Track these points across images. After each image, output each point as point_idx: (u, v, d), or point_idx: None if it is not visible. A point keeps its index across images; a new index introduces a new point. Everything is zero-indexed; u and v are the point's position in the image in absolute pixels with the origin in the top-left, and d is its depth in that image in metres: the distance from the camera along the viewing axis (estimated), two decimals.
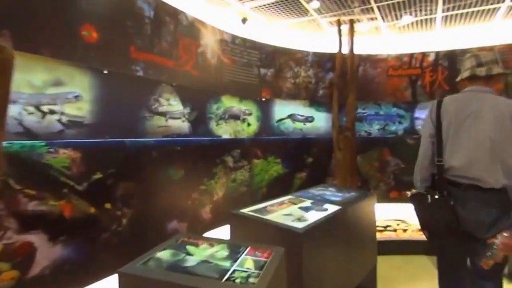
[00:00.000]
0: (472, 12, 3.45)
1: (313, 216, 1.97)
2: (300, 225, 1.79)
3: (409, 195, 1.86)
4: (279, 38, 4.01)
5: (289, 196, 2.49)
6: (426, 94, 4.20)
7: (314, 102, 4.18)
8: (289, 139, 3.99)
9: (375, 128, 4.28)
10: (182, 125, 2.86)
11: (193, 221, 2.93)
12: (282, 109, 3.94)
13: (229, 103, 3.38)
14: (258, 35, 3.78)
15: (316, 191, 2.71)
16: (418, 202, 1.81)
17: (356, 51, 3.80)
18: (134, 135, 2.40)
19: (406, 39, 4.22)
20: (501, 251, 1.48)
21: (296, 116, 4.03)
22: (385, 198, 4.15)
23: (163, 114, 2.67)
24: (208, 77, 3.20)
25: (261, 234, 1.91)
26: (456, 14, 3.53)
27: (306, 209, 2.14)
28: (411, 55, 4.23)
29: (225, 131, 3.33)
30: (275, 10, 3.42)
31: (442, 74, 4.14)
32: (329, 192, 2.65)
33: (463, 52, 4.01)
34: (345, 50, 3.78)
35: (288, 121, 3.99)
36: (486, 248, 1.53)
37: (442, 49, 4.14)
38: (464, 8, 3.36)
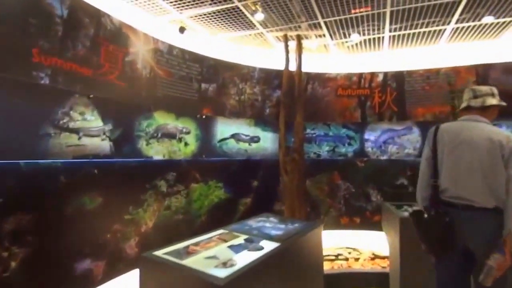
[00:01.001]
0: (419, 33, 3.46)
1: (243, 259, 1.64)
2: (223, 273, 1.45)
3: (410, 211, 1.98)
4: (223, 51, 3.73)
5: (221, 231, 2.12)
6: (375, 115, 4.11)
7: (260, 121, 3.93)
8: (233, 160, 3.69)
9: (324, 150, 4.09)
10: (101, 144, 2.48)
11: (113, 258, 2.53)
12: (225, 128, 3.64)
13: (163, 120, 3.01)
14: (199, 47, 3.47)
15: (255, 223, 2.37)
16: (416, 218, 1.90)
17: (305, 69, 3.64)
18: (32, 156, 2.03)
19: (356, 58, 4.15)
20: (496, 271, 1.59)
21: (240, 135, 3.74)
22: (336, 224, 3.94)
23: (75, 130, 2.28)
24: (137, 90, 2.81)
25: (176, 285, 1.53)
26: (404, 35, 3.52)
27: (237, 248, 1.80)
28: (360, 75, 4.15)
29: (157, 151, 2.95)
30: (217, 21, 3.13)
31: (390, 95, 4.08)
32: (270, 224, 2.33)
33: (411, 73, 4.00)
34: (293, 67, 3.58)
35: (232, 141, 3.69)
36: (484, 267, 1.63)
37: (390, 69, 4.10)
38: (410, 28, 3.35)
